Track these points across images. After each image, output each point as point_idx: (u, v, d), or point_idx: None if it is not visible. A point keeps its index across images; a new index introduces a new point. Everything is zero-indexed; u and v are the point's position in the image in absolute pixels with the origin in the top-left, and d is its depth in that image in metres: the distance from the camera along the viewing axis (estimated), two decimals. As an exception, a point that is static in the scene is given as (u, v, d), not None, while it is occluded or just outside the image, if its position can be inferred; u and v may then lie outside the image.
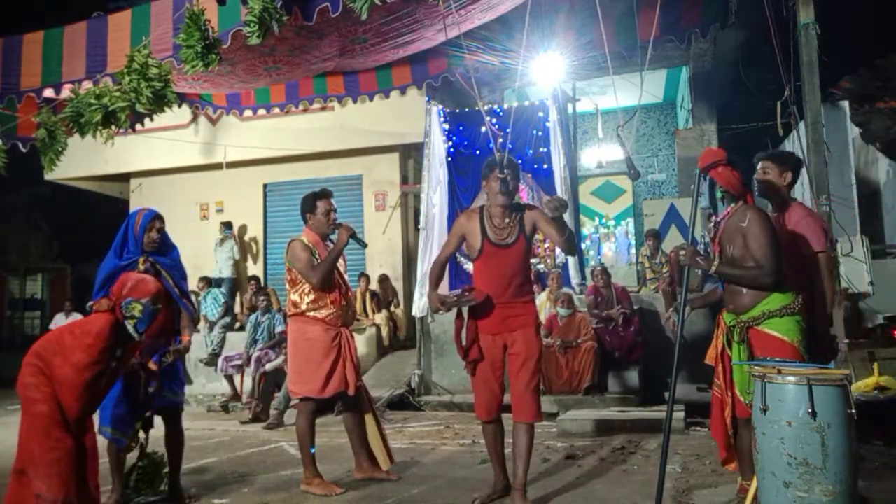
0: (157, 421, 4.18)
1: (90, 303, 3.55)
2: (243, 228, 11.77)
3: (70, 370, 3.15)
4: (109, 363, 3.29)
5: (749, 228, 3.28)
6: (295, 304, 4.32)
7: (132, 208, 12.22)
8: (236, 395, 8.53)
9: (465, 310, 3.82)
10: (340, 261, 4.42)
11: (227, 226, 11.27)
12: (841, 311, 5.45)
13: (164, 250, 4.18)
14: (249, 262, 11.69)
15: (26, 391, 3.17)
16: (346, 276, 4.49)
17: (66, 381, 3.15)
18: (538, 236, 9.52)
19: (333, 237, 4.39)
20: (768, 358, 3.14)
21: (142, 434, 4.15)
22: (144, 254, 4.07)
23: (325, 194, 4.45)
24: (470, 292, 3.76)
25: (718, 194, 3.45)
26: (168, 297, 4.03)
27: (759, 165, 3.69)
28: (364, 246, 4.70)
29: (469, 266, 8.37)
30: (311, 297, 4.27)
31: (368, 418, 4.51)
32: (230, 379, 8.61)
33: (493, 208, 3.78)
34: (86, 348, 3.19)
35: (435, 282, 3.88)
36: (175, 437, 4.19)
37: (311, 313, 4.27)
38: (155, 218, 4.14)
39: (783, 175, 3.61)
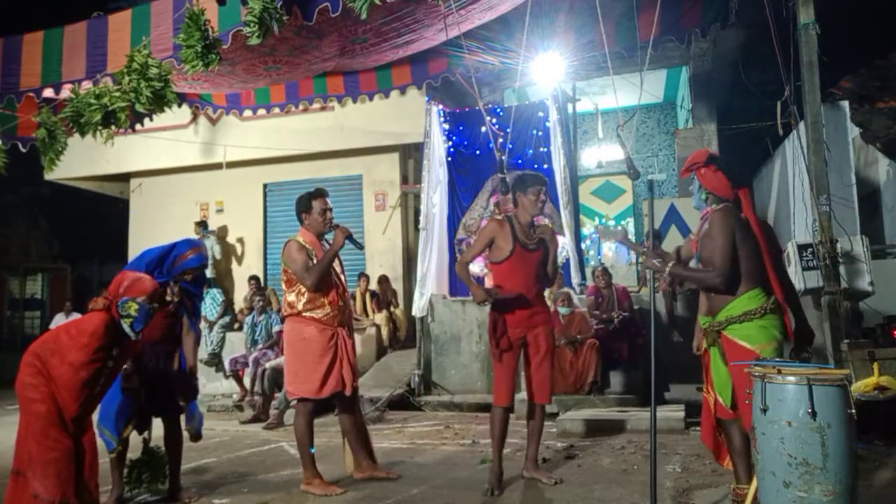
0: (157, 421, 4.19)
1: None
2: (243, 228, 11.76)
3: (67, 369, 3.15)
4: (106, 362, 3.29)
5: (709, 231, 3.27)
6: (291, 305, 4.30)
7: (132, 208, 12.27)
8: (247, 393, 8.47)
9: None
10: (336, 260, 4.41)
11: (204, 226, 11.24)
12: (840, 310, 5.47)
13: (197, 282, 4.28)
14: (250, 262, 11.66)
15: (25, 391, 3.17)
16: (342, 276, 4.47)
17: (64, 380, 3.15)
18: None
19: (329, 237, 4.39)
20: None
21: (144, 434, 4.17)
22: (175, 281, 4.10)
23: (320, 193, 4.45)
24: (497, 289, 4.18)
25: (703, 195, 3.44)
26: (177, 312, 4.11)
27: None
28: (361, 248, 4.66)
29: (476, 269, 8.47)
30: (307, 297, 4.26)
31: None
32: (238, 378, 8.56)
33: (522, 217, 4.25)
34: (81, 347, 3.19)
35: (467, 277, 4.26)
36: (173, 436, 4.20)
37: (308, 313, 4.25)
38: (196, 268, 4.17)
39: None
